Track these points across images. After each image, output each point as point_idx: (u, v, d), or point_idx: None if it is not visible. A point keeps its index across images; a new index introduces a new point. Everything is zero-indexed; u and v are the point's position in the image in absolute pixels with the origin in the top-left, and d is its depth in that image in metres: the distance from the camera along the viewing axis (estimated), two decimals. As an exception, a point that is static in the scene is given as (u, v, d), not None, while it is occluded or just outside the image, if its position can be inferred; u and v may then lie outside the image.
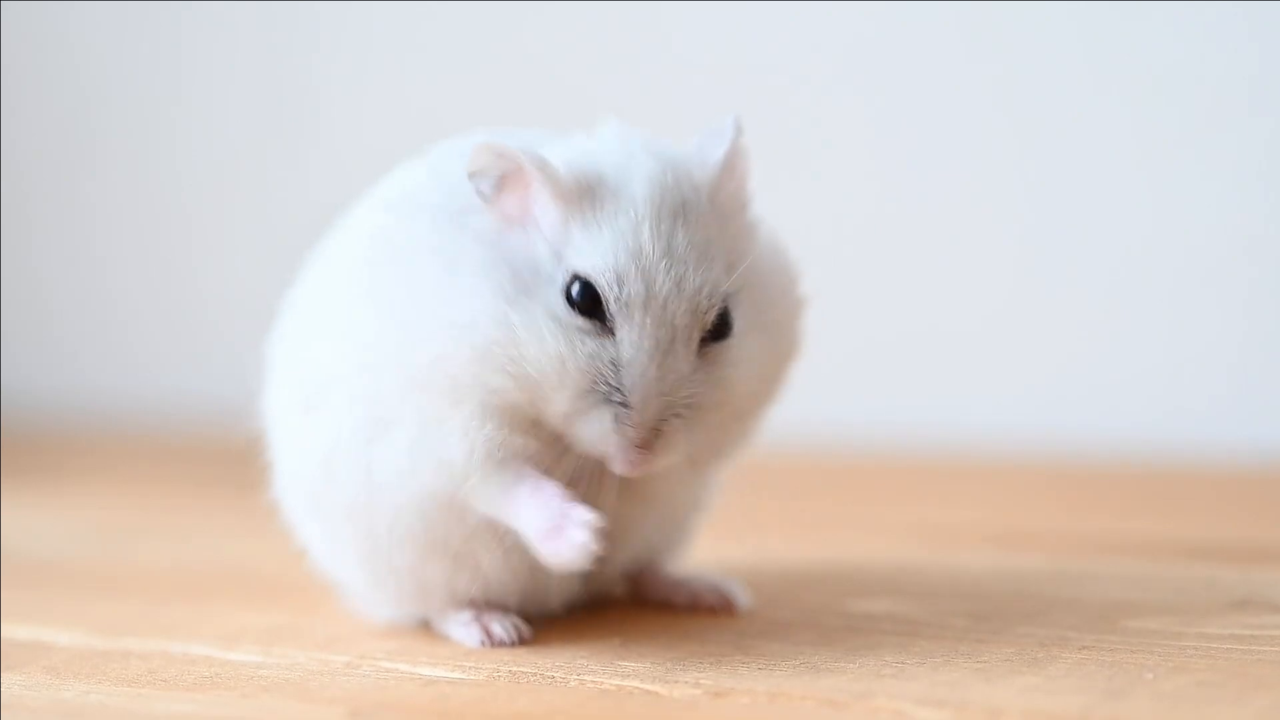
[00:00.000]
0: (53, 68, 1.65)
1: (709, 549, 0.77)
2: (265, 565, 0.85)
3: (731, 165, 0.65)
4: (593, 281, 0.61)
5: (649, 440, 0.61)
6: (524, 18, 1.42)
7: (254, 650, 0.68)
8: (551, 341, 0.61)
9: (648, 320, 0.61)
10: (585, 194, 0.62)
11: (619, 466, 0.62)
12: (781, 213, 0.69)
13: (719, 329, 0.63)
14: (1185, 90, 1.21)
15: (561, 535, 0.61)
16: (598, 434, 0.62)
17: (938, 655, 0.63)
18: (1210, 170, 1.21)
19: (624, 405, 0.61)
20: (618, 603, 0.73)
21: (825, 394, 1.20)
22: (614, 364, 0.61)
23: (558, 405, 0.61)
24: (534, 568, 0.65)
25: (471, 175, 0.63)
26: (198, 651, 0.69)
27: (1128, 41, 1.23)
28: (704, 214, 0.63)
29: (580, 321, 0.61)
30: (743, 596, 0.72)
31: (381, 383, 0.64)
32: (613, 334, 0.61)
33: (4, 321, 1.68)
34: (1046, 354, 1.27)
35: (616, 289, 0.61)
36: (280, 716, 0.59)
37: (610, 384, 0.61)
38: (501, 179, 0.63)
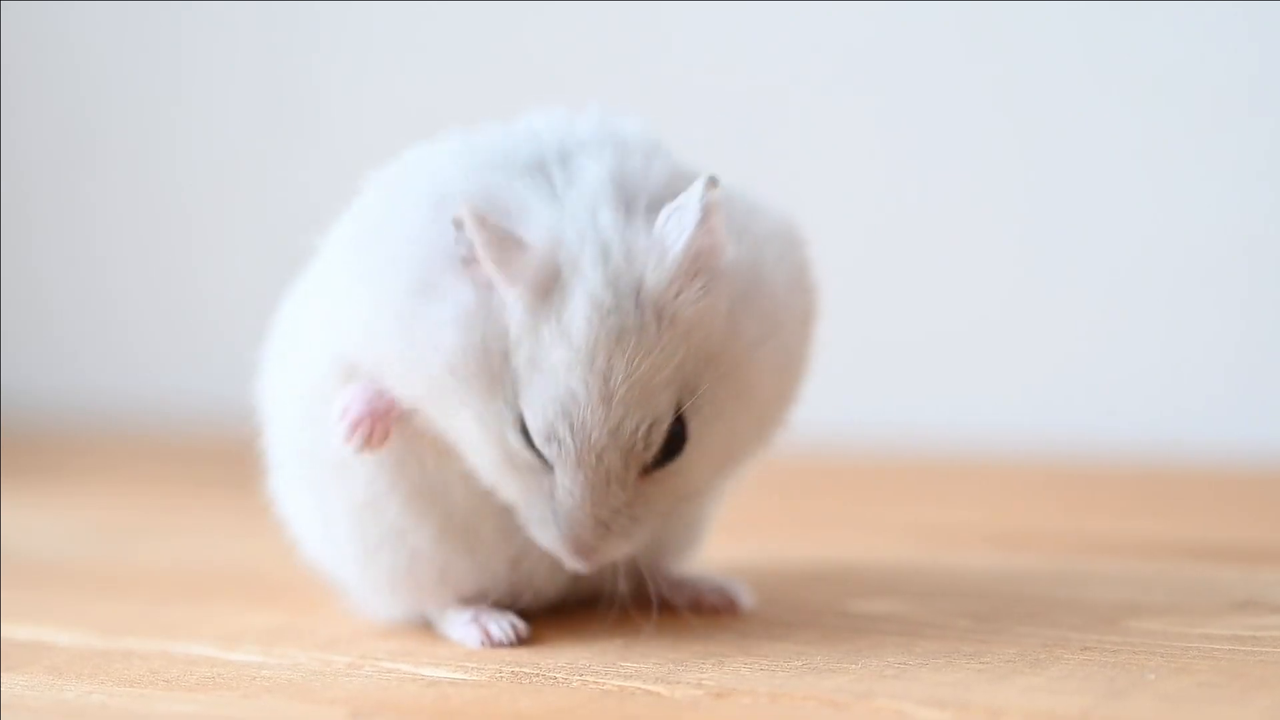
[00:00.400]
0: (53, 68, 1.65)
1: (711, 549, 0.77)
2: (266, 565, 0.85)
3: (691, 259, 0.60)
4: (529, 433, 0.61)
5: (588, 551, 0.63)
6: (524, 17, 1.42)
7: (255, 651, 0.68)
8: (496, 466, 0.62)
9: (580, 473, 0.61)
10: (545, 293, 0.60)
11: (565, 564, 0.64)
12: (800, 217, 0.68)
13: (667, 450, 0.62)
14: (1185, 91, 1.21)
15: (346, 420, 0.63)
16: (538, 537, 0.64)
17: (940, 656, 0.63)
18: (1210, 171, 1.21)
19: (557, 523, 0.62)
20: (619, 603, 0.73)
21: (826, 395, 1.20)
22: (550, 496, 0.62)
23: (505, 494, 0.64)
24: (517, 537, 0.66)
25: (455, 224, 0.61)
26: (199, 652, 0.69)
27: (1126, 43, 1.23)
28: (650, 335, 0.60)
29: (528, 455, 0.61)
30: (746, 597, 0.72)
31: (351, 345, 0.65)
32: (551, 470, 0.61)
33: (5, 321, 1.68)
34: (1046, 354, 1.27)
35: (549, 446, 0.60)
36: (282, 717, 0.59)
37: (548, 511, 0.62)
38: (473, 252, 0.60)
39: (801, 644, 0.65)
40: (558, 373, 0.60)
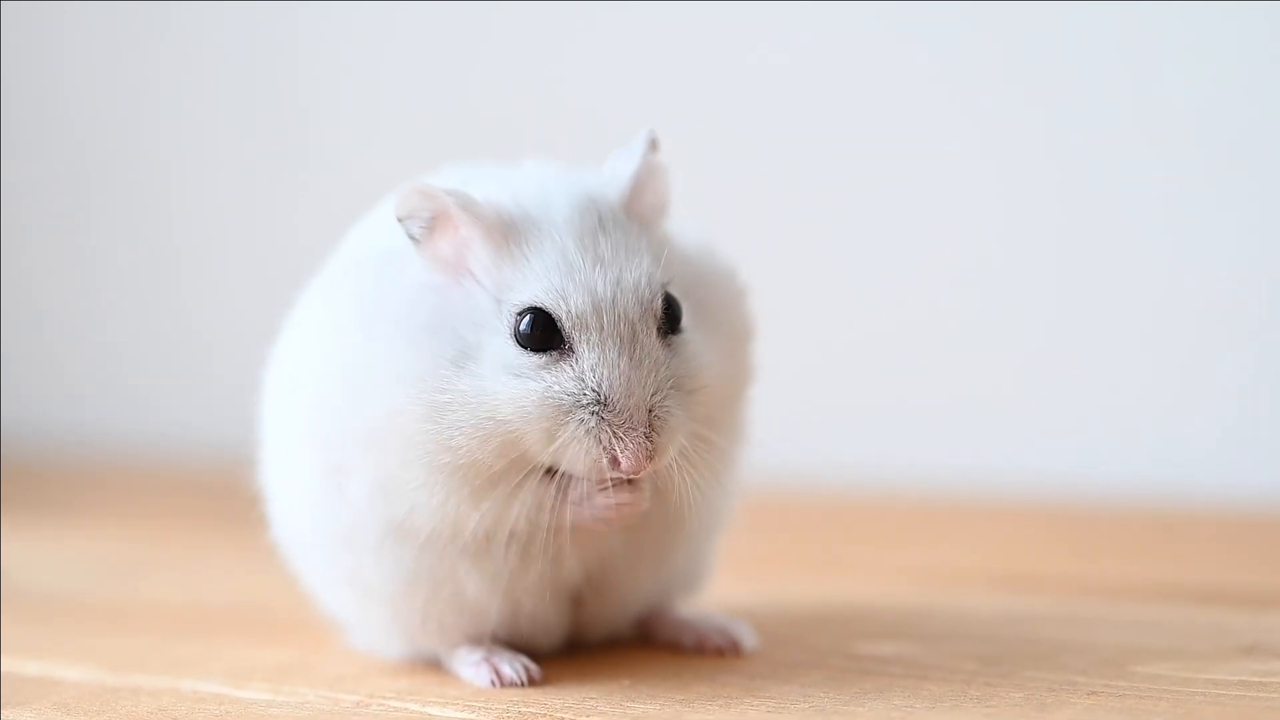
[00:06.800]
0: (51, 107, 1.66)
1: (719, 590, 0.77)
2: (275, 601, 0.85)
3: (643, 179, 0.66)
4: (539, 308, 0.62)
5: (646, 430, 0.61)
6: (521, 43, 1.42)
7: (264, 688, 0.68)
8: (508, 390, 0.61)
9: (603, 323, 0.62)
10: (510, 230, 0.64)
11: (626, 463, 0.61)
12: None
13: (671, 320, 0.64)
14: (1203, 137, 1.21)
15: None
16: (591, 447, 0.62)
17: (946, 699, 0.63)
18: (1222, 217, 1.22)
19: (605, 406, 0.61)
20: (626, 644, 0.73)
21: (833, 436, 1.20)
22: (582, 377, 0.62)
23: (537, 441, 0.62)
24: (514, 594, 0.66)
25: (401, 219, 0.64)
26: (208, 689, 0.69)
27: (1146, 92, 1.23)
28: (622, 224, 0.65)
29: (536, 359, 0.62)
30: (749, 638, 0.72)
31: (338, 436, 0.65)
32: (574, 352, 0.62)
33: (12, 358, 1.69)
34: (1054, 398, 1.27)
35: (563, 305, 0.62)
36: (290, 755, 0.59)
37: (585, 395, 0.62)
38: (432, 220, 0.64)
39: (808, 686, 0.65)
40: (552, 256, 0.63)
